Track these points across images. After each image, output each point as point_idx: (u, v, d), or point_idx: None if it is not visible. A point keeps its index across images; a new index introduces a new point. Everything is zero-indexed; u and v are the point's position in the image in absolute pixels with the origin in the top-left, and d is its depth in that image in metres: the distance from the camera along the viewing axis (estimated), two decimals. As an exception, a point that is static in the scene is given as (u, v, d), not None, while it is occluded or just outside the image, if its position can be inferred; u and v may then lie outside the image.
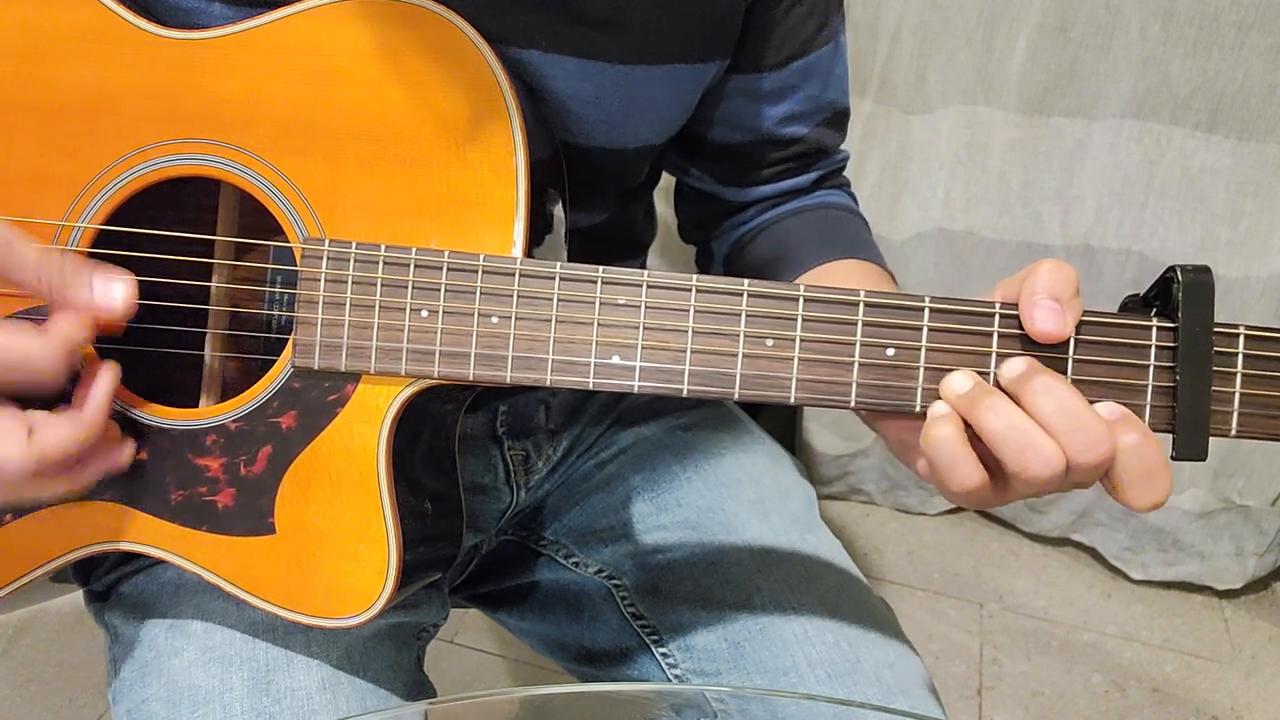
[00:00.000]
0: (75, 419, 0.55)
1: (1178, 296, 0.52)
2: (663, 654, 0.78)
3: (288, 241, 0.60)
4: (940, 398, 0.54)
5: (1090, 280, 1.60)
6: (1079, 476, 0.51)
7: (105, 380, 0.56)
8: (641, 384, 0.56)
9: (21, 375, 0.52)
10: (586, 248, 0.69)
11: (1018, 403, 0.52)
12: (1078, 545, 1.83)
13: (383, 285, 0.58)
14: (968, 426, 0.52)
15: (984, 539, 1.87)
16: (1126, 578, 1.78)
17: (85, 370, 0.57)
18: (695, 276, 0.56)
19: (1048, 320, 0.52)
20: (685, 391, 0.56)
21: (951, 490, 0.53)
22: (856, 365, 0.55)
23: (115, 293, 0.55)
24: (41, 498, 0.60)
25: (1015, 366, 0.53)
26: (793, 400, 0.55)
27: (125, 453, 0.60)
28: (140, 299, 0.62)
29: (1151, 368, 0.54)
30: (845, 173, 0.87)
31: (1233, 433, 0.53)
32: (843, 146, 0.85)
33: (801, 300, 0.55)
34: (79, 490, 0.59)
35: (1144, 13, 1.40)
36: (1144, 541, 1.74)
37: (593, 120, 0.70)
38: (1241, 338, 0.53)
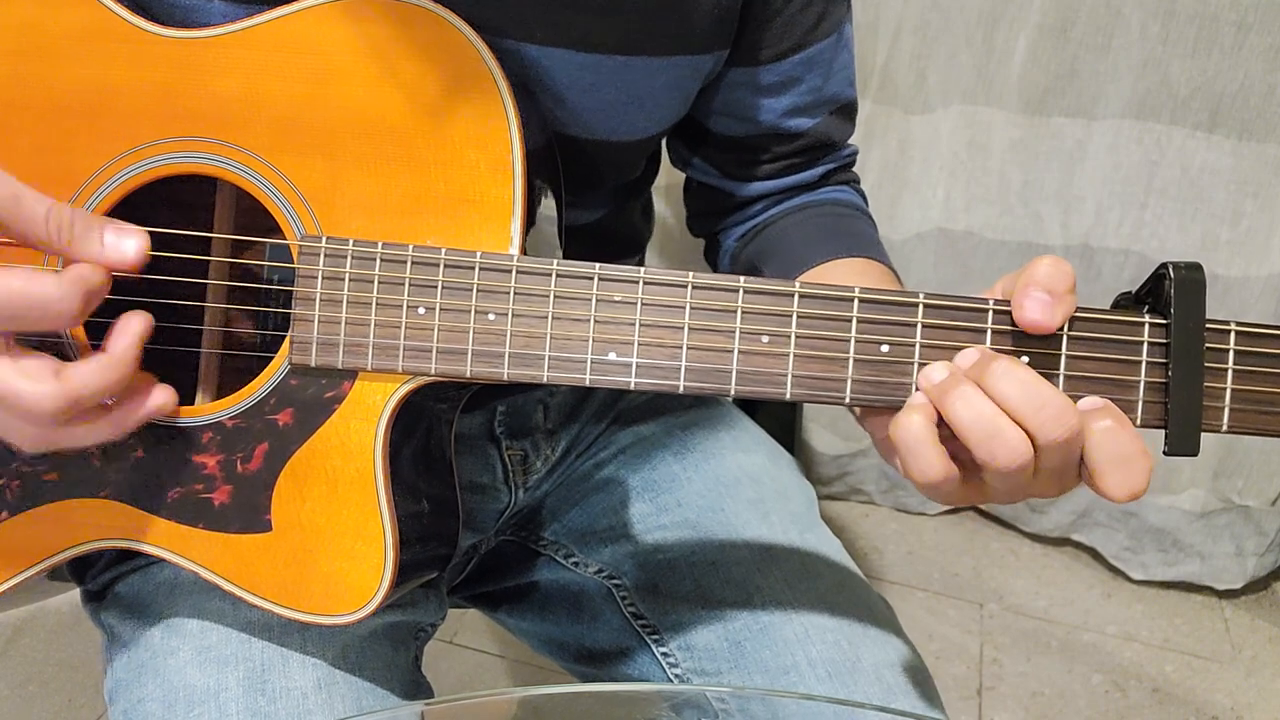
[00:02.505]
0: (103, 359, 0.54)
1: (1170, 293, 0.53)
2: (663, 653, 0.78)
3: (285, 239, 0.60)
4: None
5: (1089, 280, 1.60)
6: (1053, 460, 0.51)
7: (136, 322, 0.56)
8: (638, 381, 0.56)
9: (38, 317, 0.52)
10: (584, 246, 0.69)
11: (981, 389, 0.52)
12: (1078, 545, 1.83)
13: (380, 282, 0.58)
14: (942, 422, 0.53)
15: (984, 539, 1.87)
16: (1126, 578, 1.78)
17: (116, 321, 0.56)
18: (691, 273, 0.56)
19: (1035, 310, 0.52)
20: (682, 388, 0.56)
21: (915, 480, 0.53)
22: (851, 361, 0.55)
23: (127, 246, 0.55)
24: (80, 443, 0.58)
25: (970, 356, 0.54)
26: (788, 396, 0.55)
27: (160, 397, 0.58)
28: (137, 296, 0.62)
29: (1144, 364, 0.54)
30: (853, 170, 0.87)
31: (1224, 428, 0.54)
32: (851, 141, 0.85)
33: (797, 297, 0.55)
34: (119, 435, 0.58)
35: (1144, 13, 1.41)
36: (1144, 541, 1.74)
37: (590, 111, 0.70)
38: (1233, 334, 0.53)
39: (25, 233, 0.53)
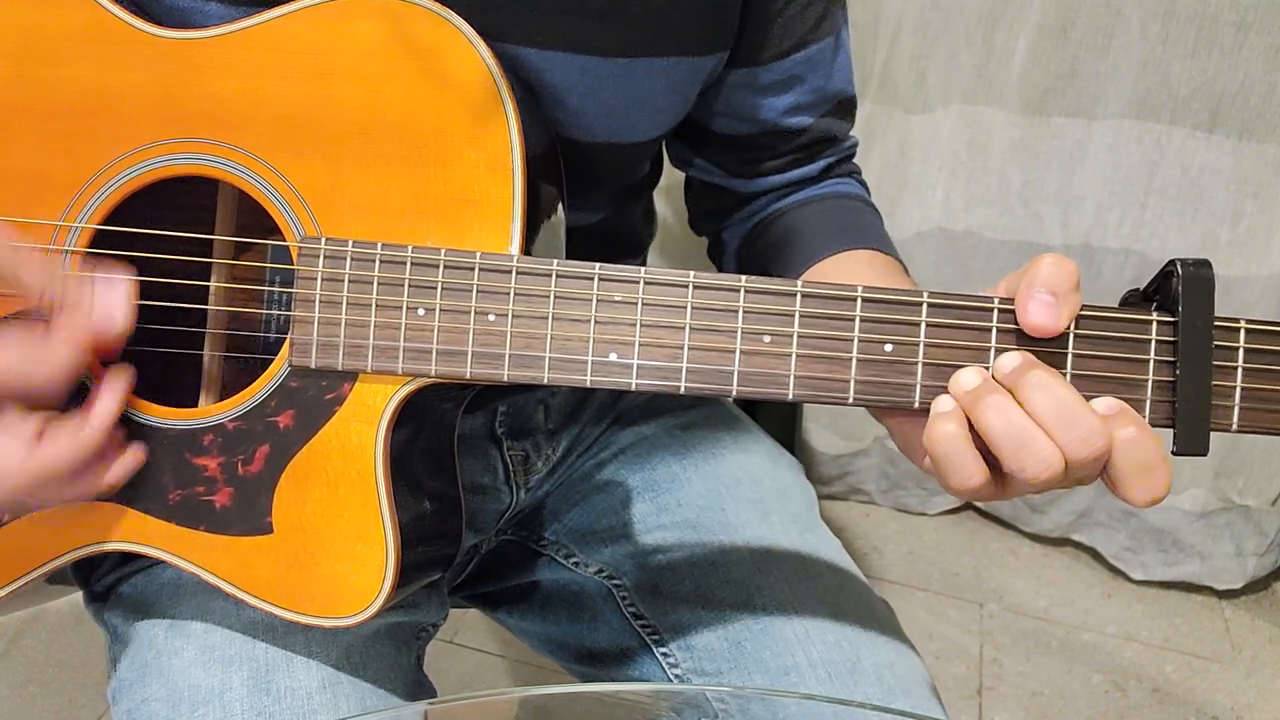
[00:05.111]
0: (79, 430, 0.56)
1: (1177, 290, 0.52)
2: (663, 654, 0.78)
3: (285, 241, 0.60)
4: (945, 393, 0.54)
5: (1090, 280, 1.60)
6: (1078, 473, 0.51)
7: (115, 390, 0.58)
8: (639, 382, 0.56)
9: (22, 392, 0.54)
10: (585, 248, 0.69)
11: (1013, 397, 0.51)
12: (1078, 545, 1.83)
13: (379, 283, 0.58)
14: (970, 424, 0.52)
15: (984, 539, 1.87)
16: (1126, 578, 1.78)
17: (98, 377, 0.58)
18: (692, 273, 0.55)
19: (1041, 314, 0.52)
20: (683, 389, 0.56)
21: (952, 487, 0.53)
22: (855, 361, 0.55)
23: (118, 311, 0.56)
24: (45, 504, 0.61)
25: (1010, 361, 0.53)
26: (791, 397, 0.55)
27: (128, 462, 0.60)
28: (139, 299, 0.62)
29: (1152, 362, 0.53)
30: (853, 161, 0.87)
31: (1234, 427, 0.53)
32: (851, 133, 0.85)
33: (799, 296, 0.55)
34: (86, 496, 0.59)
35: (1144, 13, 1.40)
36: (1144, 541, 1.74)
37: (591, 114, 0.69)
38: (1242, 332, 0.53)
39: (19, 284, 0.54)
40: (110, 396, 0.57)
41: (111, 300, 0.56)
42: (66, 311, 0.55)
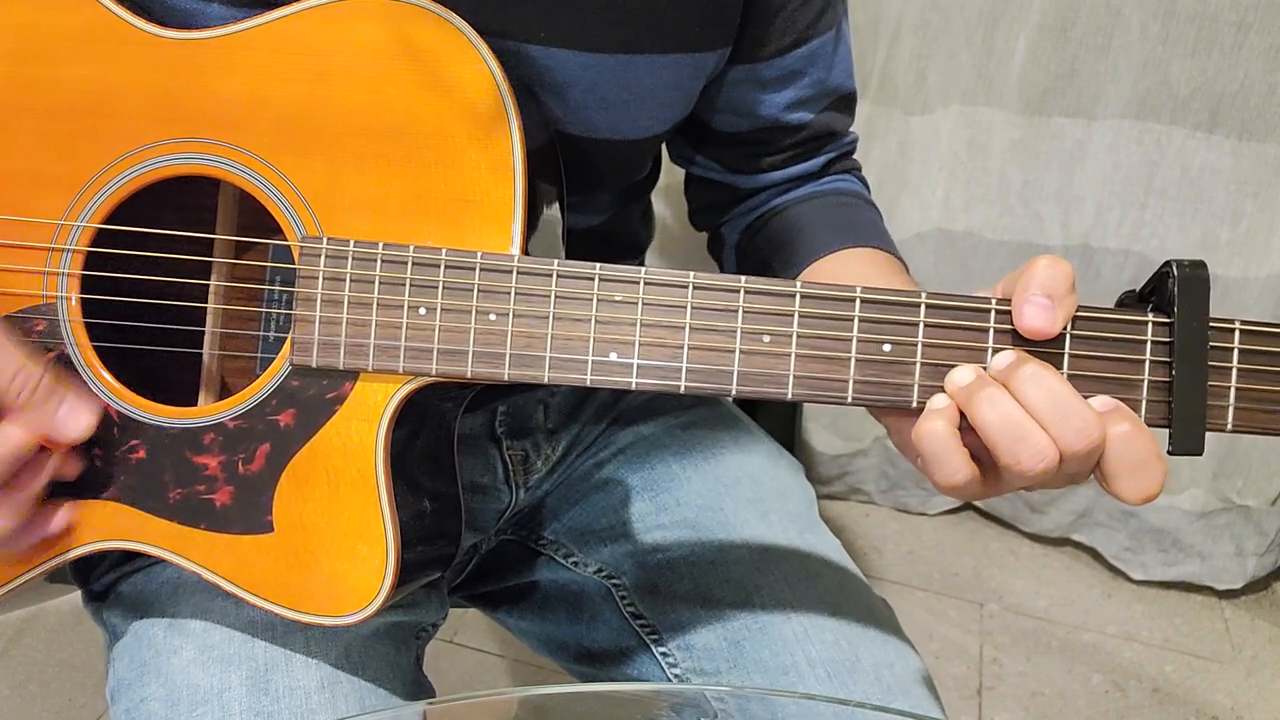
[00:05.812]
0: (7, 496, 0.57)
1: (1173, 291, 0.52)
2: (662, 653, 0.78)
3: (287, 240, 0.60)
4: (940, 392, 0.54)
5: (1089, 280, 1.60)
6: (1071, 467, 0.51)
7: (43, 474, 0.59)
8: (639, 381, 0.56)
9: None
10: (585, 249, 0.69)
11: (1008, 392, 0.52)
12: (1078, 545, 1.83)
13: (380, 283, 0.58)
14: (963, 419, 0.53)
15: (984, 539, 1.87)
16: (1126, 578, 1.78)
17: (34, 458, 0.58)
18: (692, 273, 0.56)
19: (1036, 316, 0.52)
20: (683, 388, 0.56)
21: (938, 483, 0.53)
22: (853, 361, 0.55)
23: (78, 423, 0.58)
24: None
25: (1005, 358, 0.53)
26: (790, 396, 0.55)
27: (58, 524, 0.61)
28: (140, 298, 0.62)
29: (1147, 363, 0.54)
30: (854, 157, 0.87)
31: (1229, 427, 0.53)
32: (852, 129, 0.85)
33: (798, 296, 0.55)
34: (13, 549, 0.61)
35: (1144, 13, 1.41)
36: (1144, 541, 1.74)
37: (593, 109, 0.70)
38: (1237, 332, 0.53)
39: None
40: (38, 480, 0.59)
41: (79, 412, 0.58)
42: (34, 407, 0.56)
